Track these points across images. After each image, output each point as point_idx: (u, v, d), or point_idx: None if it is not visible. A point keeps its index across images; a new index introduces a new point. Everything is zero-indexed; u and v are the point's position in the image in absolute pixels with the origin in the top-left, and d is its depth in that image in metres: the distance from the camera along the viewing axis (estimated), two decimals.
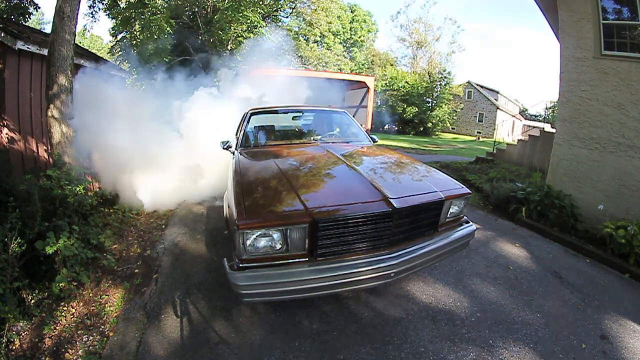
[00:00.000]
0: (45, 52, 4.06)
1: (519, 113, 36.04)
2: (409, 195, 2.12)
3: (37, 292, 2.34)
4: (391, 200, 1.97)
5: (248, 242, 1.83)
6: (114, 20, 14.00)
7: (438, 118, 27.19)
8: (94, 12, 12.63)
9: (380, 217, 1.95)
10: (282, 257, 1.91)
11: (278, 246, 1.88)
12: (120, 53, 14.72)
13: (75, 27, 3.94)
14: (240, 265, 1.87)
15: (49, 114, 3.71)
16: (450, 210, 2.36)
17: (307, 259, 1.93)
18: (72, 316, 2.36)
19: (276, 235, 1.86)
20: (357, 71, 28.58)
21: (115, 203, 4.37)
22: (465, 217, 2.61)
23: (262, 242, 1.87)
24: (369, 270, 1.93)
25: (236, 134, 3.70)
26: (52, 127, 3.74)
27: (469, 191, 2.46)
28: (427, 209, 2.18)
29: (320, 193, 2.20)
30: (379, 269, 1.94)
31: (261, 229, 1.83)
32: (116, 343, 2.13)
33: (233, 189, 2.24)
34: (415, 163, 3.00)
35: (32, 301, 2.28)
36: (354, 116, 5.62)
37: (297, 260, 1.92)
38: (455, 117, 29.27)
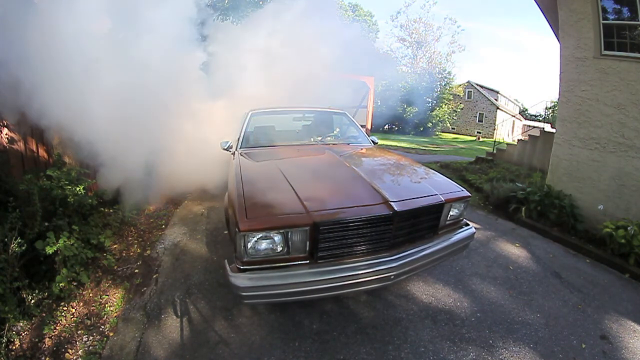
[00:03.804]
0: None
1: (519, 113, 36.05)
2: (410, 199, 2.12)
3: (37, 292, 2.33)
4: (392, 204, 1.97)
5: (249, 245, 1.83)
6: None
7: (438, 118, 27.20)
8: None
9: (381, 220, 1.95)
10: (283, 259, 1.90)
11: (279, 249, 1.88)
12: None
13: None
14: (241, 267, 1.87)
15: None
16: (450, 213, 2.37)
17: (307, 262, 1.93)
18: (72, 316, 2.36)
19: (277, 238, 1.85)
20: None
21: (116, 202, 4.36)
22: (464, 220, 2.61)
23: (263, 245, 1.86)
24: (369, 272, 1.93)
25: (237, 135, 3.70)
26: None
27: (469, 194, 2.46)
28: (428, 212, 2.18)
29: (321, 195, 2.18)
30: (379, 271, 1.94)
31: (262, 232, 1.82)
32: (116, 343, 2.13)
33: (234, 190, 2.23)
34: (415, 165, 3.00)
35: (32, 301, 2.27)
36: (353, 116, 5.60)
37: (297, 262, 1.92)
38: (455, 117, 29.30)
